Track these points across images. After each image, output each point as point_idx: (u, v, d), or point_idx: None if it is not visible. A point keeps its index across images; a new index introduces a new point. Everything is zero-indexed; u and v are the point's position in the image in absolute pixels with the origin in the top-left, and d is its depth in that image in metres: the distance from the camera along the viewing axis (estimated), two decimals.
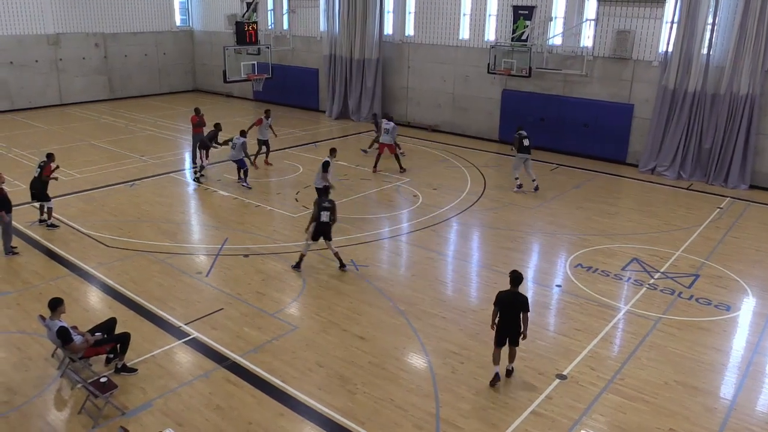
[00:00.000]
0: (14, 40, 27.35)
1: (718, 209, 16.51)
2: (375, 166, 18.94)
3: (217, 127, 18.08)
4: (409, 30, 25.66)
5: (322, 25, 27.54)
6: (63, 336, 8.21)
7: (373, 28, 25.42)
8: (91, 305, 10.88)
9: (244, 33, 22.30)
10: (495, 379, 8.67)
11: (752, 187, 18.39)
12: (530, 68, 21.62)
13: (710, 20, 18.09)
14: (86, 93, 30.15)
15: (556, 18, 21.62)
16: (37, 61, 28.19)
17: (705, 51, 18.38)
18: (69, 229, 14.06)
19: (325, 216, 11.75)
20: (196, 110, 19.45)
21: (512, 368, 8.93)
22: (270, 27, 30.18)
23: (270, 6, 30.26)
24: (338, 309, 10.75)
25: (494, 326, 8.71)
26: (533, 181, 17.41)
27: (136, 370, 8.80)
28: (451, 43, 24.24)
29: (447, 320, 10.44)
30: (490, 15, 23.13)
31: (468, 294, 11.67)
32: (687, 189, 18.42)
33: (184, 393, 8.40)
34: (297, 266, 12.14)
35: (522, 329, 8.58)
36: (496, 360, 8.71)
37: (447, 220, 15.31)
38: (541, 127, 22.07)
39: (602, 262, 12.92)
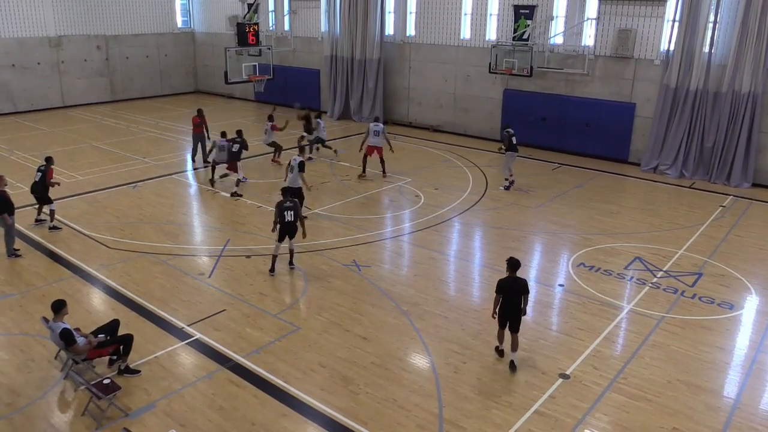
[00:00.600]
0: (16, 42, 27.42)
1: (721, 207, 16.48)
2: (363, 172, 18.38)
3: (240, 134, 17.25)
4: (410, 30, 25.66)
5: (323, 26, 27.54)
6: (66, 338, 8.22)
7: (374, 28, 25.42)
8: (94, 307, 10.90)
9: (246, 34, 22.32)
10: (499, 354, 9.36)
11: (755, 185, 18.34)
12: (531, 68, 21.60)
13: (712, 18, 18.05)
14: (88, 95, 30.21)
15: (557, 17, 21.60)
16: (39, 63, 28.25)
17: (707, 49, 18.34)
18: (71, 231, 14.09)
19: (289, 215, 11.75)
20: (199, 111, 19.49)
21: (516, 361, 9.09)
22: (271, 28, 30.20)
23: (271, 7, 30.29)
24: (340, 309, 10.75)
25: (495, 315, 9.11)
26: (511, 176, 17.61)
27: (139, 371, 8.82)
28: (453, 43, 24.24)
29: (449, 320, 10.44)
30: (491, 14, 23.12)
31: (470, 294, 11.66)
32: (689, 187, 18.39)
33: (187, 394, 8.41)
34: (272, 270, 12.09)
35: (522, 310, 9.04)
36: (500, 339, 9.31)
37: (449, 220, 15.31)
38: (542, 126, 22.08)
39: (605, 261, 12.90)
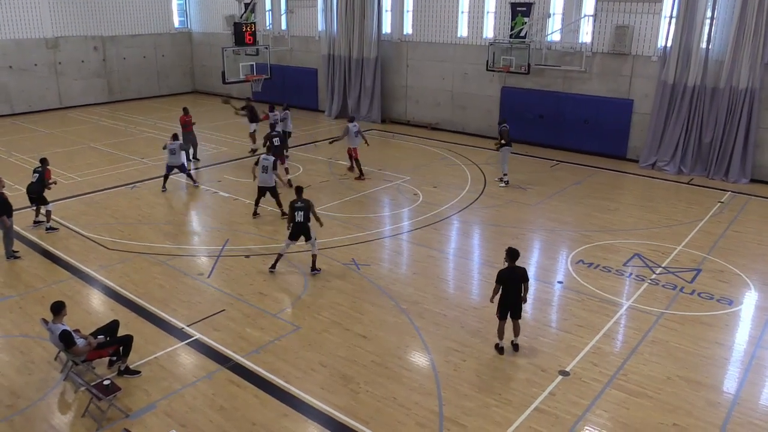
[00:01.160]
0: (13, 43, 27.38)
1: (719, 203, 16.49)
2: (361, 173, 18.29)
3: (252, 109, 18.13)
4: (408, 28, 25.65)
5: (320, 25, 27.55)
6: (66, 339, 8.22)
7: (371, 27, 25.41)
8: (93, 308, 10.90)
9: (243, 34, 22.25)
10: (499, 352, 9.39)
11: (753, 180, 18.35)
12: (529, 65, 21.60)
13: (709, 14, 18.06)
14: (85, 96, 30.18)
15: (554, 14, 21.59)
16: (36, 64, 28.22)
17: (704, 45, 18.35)
18: (70, 232, 14.07)
19: (299, 216, 11.74)
20: (185, 110, 19.47)
21: (518, 343, 9.44)
22: (268, 27, 30.17)
23: (268, 6, 30.26)
24: (340, 308, 10.75)
25: (493, 300, 9.37)
26: (505, 174, 17.79)
27: (139, 372, 8.82)
28: (450, 41, 24.22)
29: (449, 318, 10.45)
30: (488, 12, 23.11)
31: (469, 291, 11.67)
32: (688, 184, 18.40)
33: (188, 394, 8.41)
34: (272, 267, 12.09)
35: (523, 298, 9.25)
36: (501, 335, 9.37)
37: (448, 217, 15.31)
38: (540, 123, 22.07)
39: (604, 258, 12.92)
